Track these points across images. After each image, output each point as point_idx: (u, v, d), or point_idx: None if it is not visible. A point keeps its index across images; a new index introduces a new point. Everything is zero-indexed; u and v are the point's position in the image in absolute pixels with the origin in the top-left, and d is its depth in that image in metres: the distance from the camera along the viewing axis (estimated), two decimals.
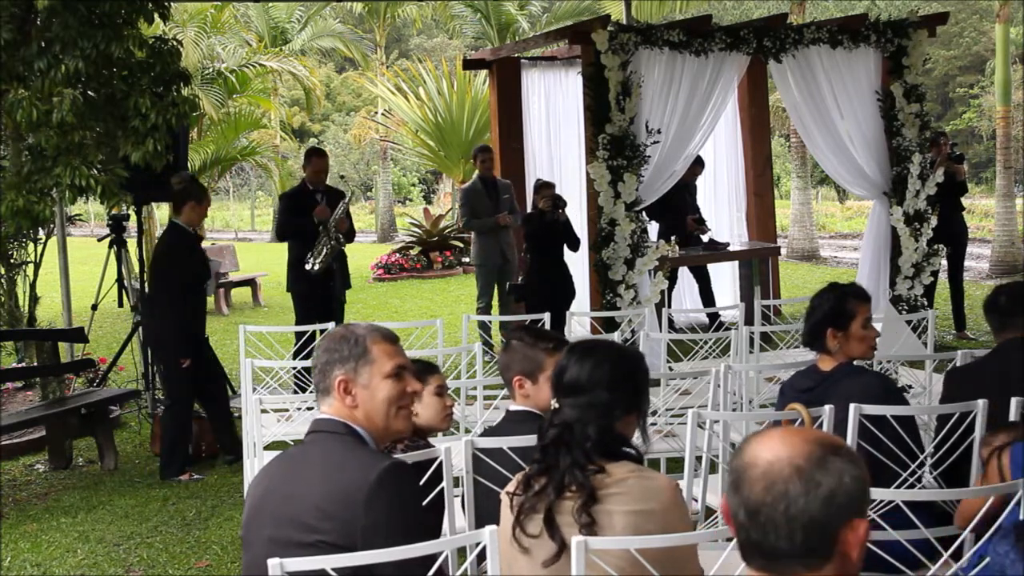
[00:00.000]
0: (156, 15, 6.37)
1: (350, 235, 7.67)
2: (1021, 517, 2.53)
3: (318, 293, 7.49)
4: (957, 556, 2.93)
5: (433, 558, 2.25)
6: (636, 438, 2.56)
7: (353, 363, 2.43)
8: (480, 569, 2.69)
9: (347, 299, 7.96)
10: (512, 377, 3.11)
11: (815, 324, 3.66)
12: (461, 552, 2.84)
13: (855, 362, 3.70)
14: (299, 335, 6.26)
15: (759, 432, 1.63)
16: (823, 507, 1.50)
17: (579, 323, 7.72)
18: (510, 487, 2.52)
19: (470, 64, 10.94)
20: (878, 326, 6.32)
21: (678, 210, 9.17)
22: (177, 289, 6.27)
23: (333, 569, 2.17)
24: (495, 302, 9.48)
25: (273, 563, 2.18)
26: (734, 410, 4.66)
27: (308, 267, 7.27)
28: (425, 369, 3.54)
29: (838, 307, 3.63)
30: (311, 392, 5.05)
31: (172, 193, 6.55)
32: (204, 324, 6.62)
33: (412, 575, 2.22)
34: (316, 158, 7.81)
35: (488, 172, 9.24)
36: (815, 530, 1.50)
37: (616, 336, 5.90)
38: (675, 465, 4.92)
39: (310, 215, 7.39)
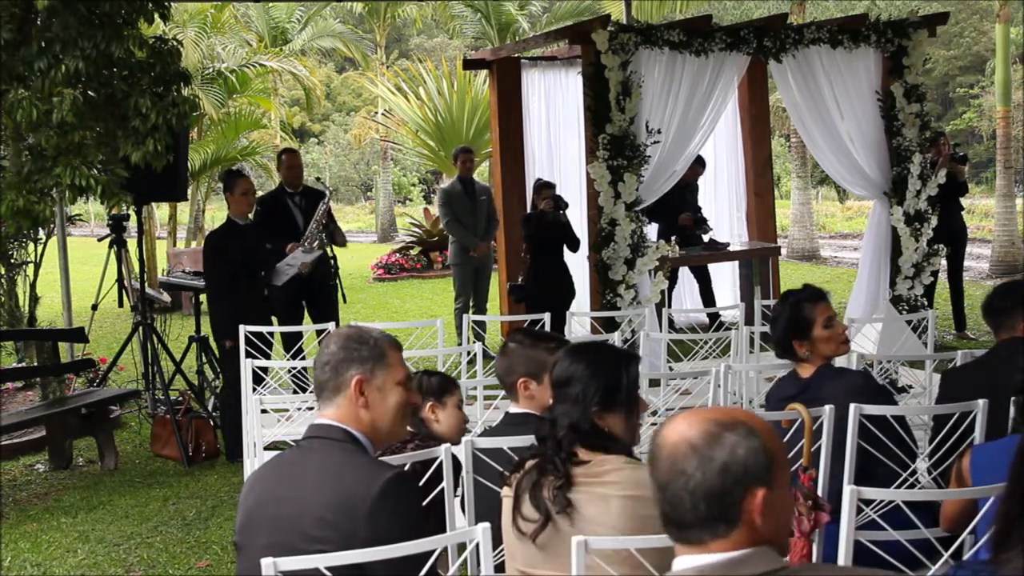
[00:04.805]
0: (156, 15, 6.37)
1: (338, 238, 7.60)
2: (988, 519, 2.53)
3: (298, 294, 7.42)
4: (957, 556, 2.93)
5: (427, 557, 2.25)
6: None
7: (371, 364, 2.44)
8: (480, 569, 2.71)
9: (347, 299, 7.94)
10: (516, 380, 3.12)
11: (779, 338, 3.66)
12: (461, 552, 2.84)
13: (833, 362, 3.70)
14: (297, 335, 6.26)
15: (672, 416, 1.80)
16: (719, 479, 1.68)
17: (579, 323, 7.71)
18: (508, 479, 2.67)
19: (470, 64, 10.93)
20: (878, 326, 6.38)
21: (677, 210, 9.17)
22: (218, 276, 6.68)
23: (327, 568, 2.17)
24: (497, 305, 9.51)
25: (267, 563, 2.18)
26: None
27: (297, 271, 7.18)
28: (448, 382, 3.59)
29: (794, 316, 3.63)
30: (311, 392, 5.08)
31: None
32: (261, 310, 6.73)
33: (405, 575, 2.22)
34: (286, 155, 7.74)
35: (468, 173, 9.42)
36: (715, 500, 1.68)
37: (616, 336, 5.89)
38: None
39: (287, 220, 7.32)
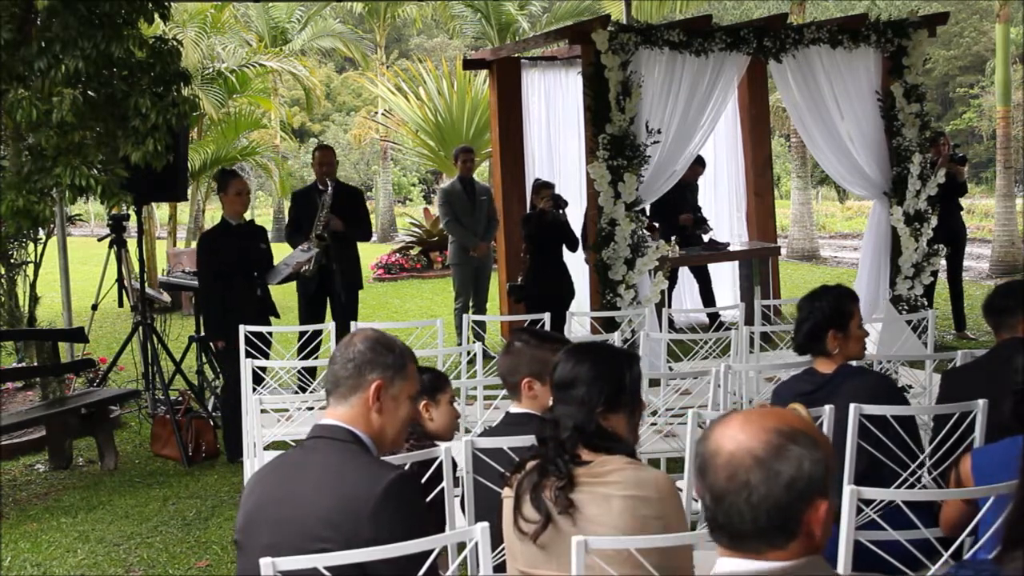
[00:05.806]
0: (156, 15, 6.37)
1: (364, 233, 7.75)
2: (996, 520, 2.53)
3: (321, 293, 7.55)
4: (957, 556, 2.93)
5: (427, 556, 2.25)
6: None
7: (392, 372, 2.46)
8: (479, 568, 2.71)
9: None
10: (520, 380, 3.12)
11: (815, 327, 3.65)
12: (460, 551, 2.85)
13: (852, 362, 3.71)
14: (300, 335, 6.25)
15: (722, 418, 1.70)
16: (785, 493, 1.59)
17: (579, 323, 7.71)
18: (508, 480, 2.66)
19: (470, 64, 10.93)
20: (878, 326, 6.37)
21: (677, 210, 9.18)
22: (208, 276, 6.73)
23: (327, 568, 2.17)
24: (497, 305, 9.50)
25: (265, 563, 2.18)
26: (734, 410, 4.65)
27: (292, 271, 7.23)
28: (441, 379, 3.57)
29: (837, 308, 3.64)
30: (312, 392, 5.07)
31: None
32: (258, 310, 6.68)
33: (405, 574, 2.22)
34: (319, 152, 7.88)
35: (468, 173, 9.44)
36: (778, 514, 1.60)
37: (616, 336, 5.89)
38: (675, 465, 4.93)
39: (314, 215, 7.40)
